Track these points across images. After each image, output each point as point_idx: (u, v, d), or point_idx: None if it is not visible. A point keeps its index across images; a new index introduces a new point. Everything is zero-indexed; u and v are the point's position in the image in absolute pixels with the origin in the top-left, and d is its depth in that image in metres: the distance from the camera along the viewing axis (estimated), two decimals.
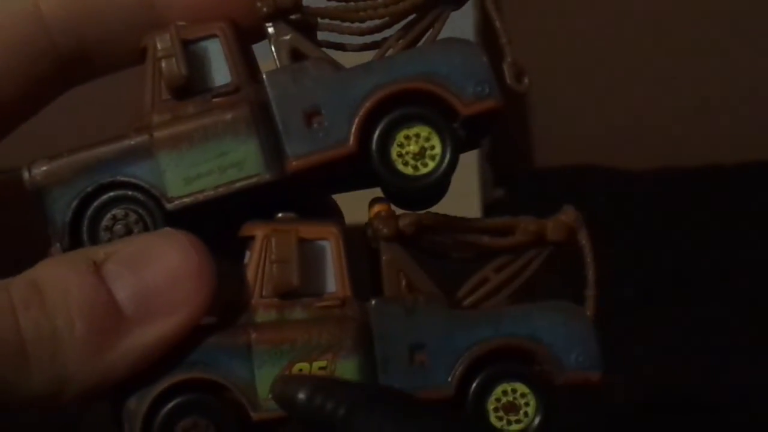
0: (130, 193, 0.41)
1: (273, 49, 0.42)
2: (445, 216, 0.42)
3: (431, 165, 0.42)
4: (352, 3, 0.43)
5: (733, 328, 0.93)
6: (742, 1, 1.23)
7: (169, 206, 0.41)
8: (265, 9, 0.42)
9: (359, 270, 0.42)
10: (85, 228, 0.41)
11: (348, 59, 0.42)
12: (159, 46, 0.42)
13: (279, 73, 0.42)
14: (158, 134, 0.41)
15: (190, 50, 0.42)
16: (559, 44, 1.25)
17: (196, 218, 0.41)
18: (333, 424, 0.38)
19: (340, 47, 0.44)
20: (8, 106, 0.43)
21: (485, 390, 0.42)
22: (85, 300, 0.39)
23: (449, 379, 0.41)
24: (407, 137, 0.42)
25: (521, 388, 0.42)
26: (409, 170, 0.42)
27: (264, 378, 0.40)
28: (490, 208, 1.14)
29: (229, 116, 0.41)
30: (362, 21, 0.43)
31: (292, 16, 0.42)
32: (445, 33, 0.43)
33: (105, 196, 0.41)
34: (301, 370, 0.40)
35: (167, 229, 0.41)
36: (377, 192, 0.44)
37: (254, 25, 0.42)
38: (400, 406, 0.39)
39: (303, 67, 0.42)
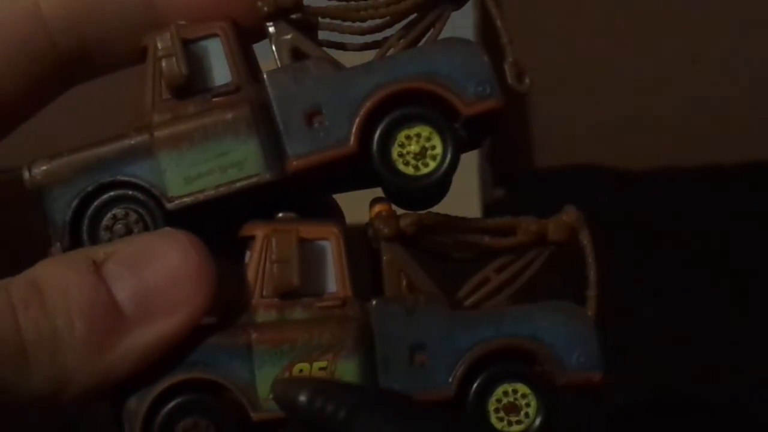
0: (130, 192, 0.41)
1: (274, 48, 0.42)
2: (446, 216, 0.42)
3: (432, 165, 0.42)
4: (353, 2, 0.43)
5: (733, 328, 0.93)
6: (742, 1, 1.23)
7: (169, 206, 0.41)
8: (265, 8, 0.42)
9: (360, 270, 0.42)
10: (85, 227, 0.41)
11: (349, 59, 0.42)
12: (159, 45, 0.41)
13: (280, 72, 0.42)
14: (159, 134, 0.41)
15: (190, 50, 0.42)
16: (559, 44, 1.25)
17: (196, 218, 0.41)
18: (334, 426, 0.38)
19: (340, 47, 0.44)
20: (8, 105, 0.43)
21: (486, 390, 0.41)
22: (85, 300, 0.39)
23: (450, 380, 0.41)
24: (408, 137, 0.42)
25: (522, 388, 0.42)
26: (410, 170, 0.42)
27: (264, 378, 0.40)
28: (490, 208, 1.14)
29: (229, 116, 0.41)
30: (363, 20, 0.43)
31: (293, 16, 0.42)
32: (445, 32, 0.43)
33: (105, 196, 0.41)
34: (301, 370, 0.40)
35: (167, 228, 0.40)
36: (378, 192, 0.43)
37: (255, 25, 0.42)
38: (401, 408, 0.39)
39: (304, 67, 0.42)
